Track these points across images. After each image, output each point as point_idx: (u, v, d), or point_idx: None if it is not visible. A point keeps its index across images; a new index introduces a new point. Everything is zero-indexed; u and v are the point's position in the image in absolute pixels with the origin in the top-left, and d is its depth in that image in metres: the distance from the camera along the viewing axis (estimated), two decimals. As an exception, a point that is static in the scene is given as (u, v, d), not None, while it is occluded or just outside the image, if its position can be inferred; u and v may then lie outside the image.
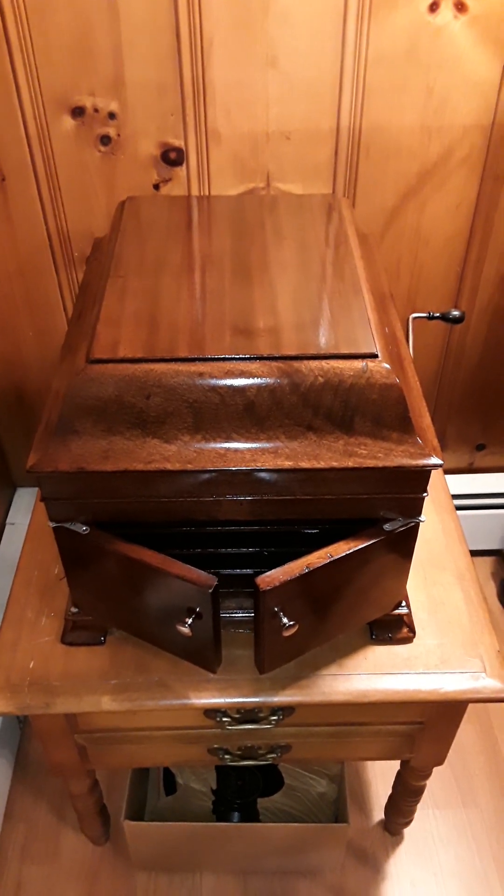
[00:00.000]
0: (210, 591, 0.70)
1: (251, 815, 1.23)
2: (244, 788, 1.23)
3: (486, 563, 1.69)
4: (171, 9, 1.00)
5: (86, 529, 0.76)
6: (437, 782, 1.34)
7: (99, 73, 1.05)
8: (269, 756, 0.98)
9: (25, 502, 1.56)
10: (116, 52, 1.03)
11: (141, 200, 0.98)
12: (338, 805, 1.22)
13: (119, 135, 1.11)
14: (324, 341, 0.73)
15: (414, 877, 1.24)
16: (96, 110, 1.08)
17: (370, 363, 0.70)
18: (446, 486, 1.08)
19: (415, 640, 0.88)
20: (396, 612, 0.87)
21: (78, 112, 1.08)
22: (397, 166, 1.16)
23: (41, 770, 1.36)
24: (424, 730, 0.95)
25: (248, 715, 0.89)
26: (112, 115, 1.09)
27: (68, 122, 1.09)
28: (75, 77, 1.05)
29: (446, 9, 1.02)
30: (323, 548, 0.74)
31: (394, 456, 0.71)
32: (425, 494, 0.75)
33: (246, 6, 1.00)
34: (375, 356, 0.71)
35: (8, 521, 1.53)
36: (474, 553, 1.65)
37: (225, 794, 1.24)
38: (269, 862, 1.21)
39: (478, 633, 0.89)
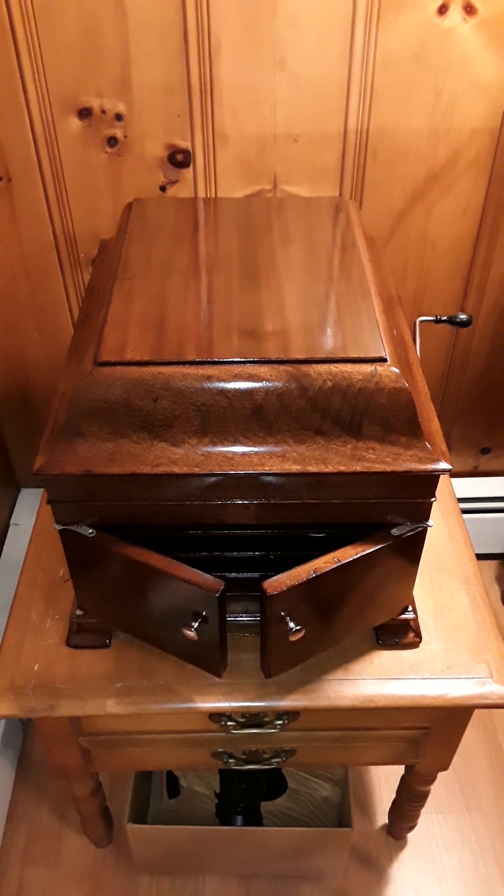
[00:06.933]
0: (217, 595, 0.69)
1: (254, 819, 1.23)
2: (248, 792, 1.23)
3: (491, 566, 1.69)
4: (179, 9, 1.00)
5: (92, 532, 0.76)
6: (441, 787, 1.34)
7: (106, 73, 1.05)
8: (273, 760, 0.97)
9: (29, 503, 1.56)
10: (124, 52, 1.03)
11: (147, 202, 0.98)
12: (341, 809, 1.21)
13: (126, 136, 1.10)
14: (332, 345, 0.72)
15: (417, 882, 1.24)
16: (103, 111, 1.08)
17: (379, 367, 0.70)
18: (452, 490, 1.07)
19: (421, 645, 0.88)
20: (403, 616, 0.87)
21: (85, 113, 1.08)
22: (405, 169, 1.15)
23: (44, 772, 1.36)
24: (430, 735, 0.94)
25: (253, 719, 0.89)
26: (119, 117, 1.08)
27: (75, 124, 1.09)
28: (82, 77, 1.05)
29: (455, 11, 1.01)
30: (330, 552, 0.74)
31: (402, 460, 0.71)
32: (433, 499, 0.75)
33: (254, 7, 1.00)
34: (384, 360, 0.71)
35: (12, 521, 1.53)
36: (479, 557, 1.64)
37: (228, 798, 1.23)
38: (273, 866, 1.21)
39: (484, 639, 0.89)
